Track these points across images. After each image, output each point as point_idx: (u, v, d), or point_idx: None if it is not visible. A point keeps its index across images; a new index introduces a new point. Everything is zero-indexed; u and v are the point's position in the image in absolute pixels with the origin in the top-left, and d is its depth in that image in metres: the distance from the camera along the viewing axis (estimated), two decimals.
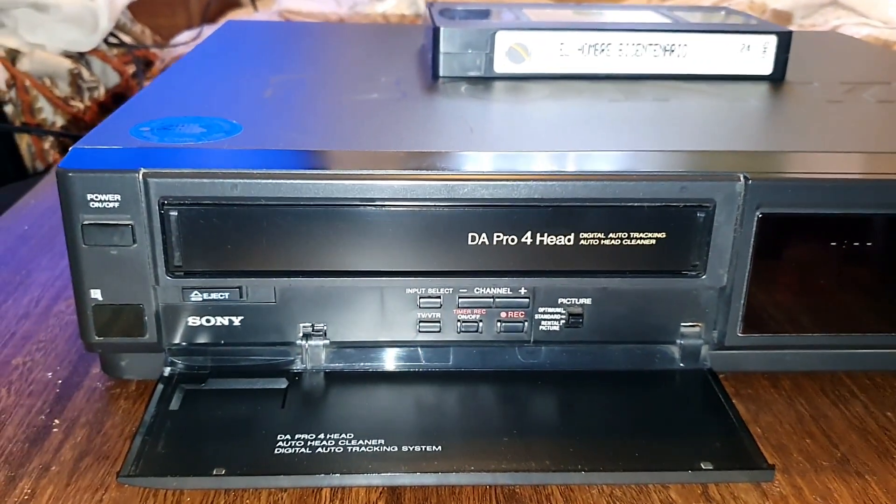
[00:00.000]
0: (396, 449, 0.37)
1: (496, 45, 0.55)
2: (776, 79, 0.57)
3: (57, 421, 0.40)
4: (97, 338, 0.40)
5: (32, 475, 0.36)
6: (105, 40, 1.17)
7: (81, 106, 1.11)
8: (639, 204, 0.38)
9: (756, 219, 0.39)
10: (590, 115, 0.49)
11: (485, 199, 0.38)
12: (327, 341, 0.42)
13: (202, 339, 0.42)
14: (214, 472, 0.35)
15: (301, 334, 0.42)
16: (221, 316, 0.41)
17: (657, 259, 0.40)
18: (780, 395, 0.43)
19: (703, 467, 0.36)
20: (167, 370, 0.42)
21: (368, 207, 0.38)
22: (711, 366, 0.43)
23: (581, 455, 0.37)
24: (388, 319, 0.42)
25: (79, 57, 1.14)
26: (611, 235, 0.39)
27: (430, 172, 0.38)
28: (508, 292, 0.41)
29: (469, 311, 0.42)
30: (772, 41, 0.56)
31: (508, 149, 0.42)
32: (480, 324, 0.42)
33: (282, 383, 0.41)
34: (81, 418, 0.40)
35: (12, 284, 0.53)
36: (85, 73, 1.13)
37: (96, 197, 0.37)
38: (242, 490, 0.36)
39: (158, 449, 0.37)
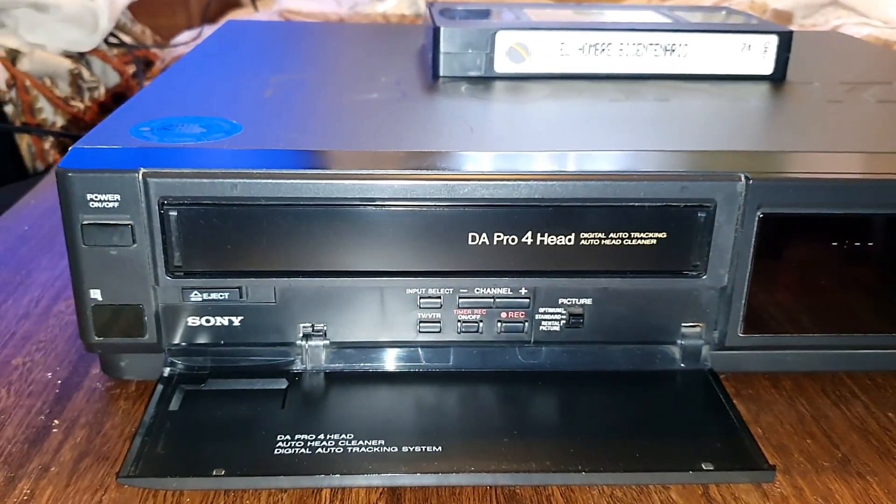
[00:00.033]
0: (397, 449, 0.37)
1: (496, 45, 0.55)
2: (777, 79, 0.57)
3: (56, 421, 0.40)
4: (97, 338, 0.40)
5: (32, 476, 0.36)
6: (105, 40, 1.17)
7: (81, 106, 1.11)
8: (639, 204, 0.38)
9: (757, 219, 0.39)
10: (590, 114, 0.49)
11: (485, 199, 0.38)
12: (327, 342, 0.42)
13: (202, 340, 0.41)
14: (214, 473, 0.35)
15: (301, 334, 0.42)
16: (221, 316, 0.41)
17: (658, 259, 0.40)
18: (781, 396, 0.43)
19: (704, 468, 0.36)
20: (167, 370, 0.42)
21: (369, 207, 0.38)
22: (712, 366, 0.43)
23: (582, 456, 0.37)
24: (389, 320, 0.42)
25: (79, 57, 1.14)
26: (611, 235, 0.39)
27: (430, 172, 0.38)
28: (509, 292, 0.41)
29: (469, 311, 0.42)
30: (772, 41, 0.56)
31: (509, 149, 0.42)
32: (481, 324, 0.42)
33: (282, 384, 0.41)
34: (81, 419, 0.40)
35: (12, 284, 0.53)
36: (85, 73, 1.13)
37: (96, 197, 0.37)
38: (242, 491, 0.36)
39: (158, 449, 0.37)
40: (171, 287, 0.40)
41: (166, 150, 0.40)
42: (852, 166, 0.41)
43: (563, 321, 0.42)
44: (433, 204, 0.38)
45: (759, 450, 0.38)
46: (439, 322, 0.42)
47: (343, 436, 0.37)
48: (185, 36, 1.32)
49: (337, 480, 0.35)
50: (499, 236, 0.39)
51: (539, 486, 0.36)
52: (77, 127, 1.08)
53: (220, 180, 0.37)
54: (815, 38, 0.78)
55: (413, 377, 0.42)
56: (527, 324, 0.42)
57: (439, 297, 0.41)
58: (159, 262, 0.38)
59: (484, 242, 0.39)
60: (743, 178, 0.38)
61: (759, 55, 0.56)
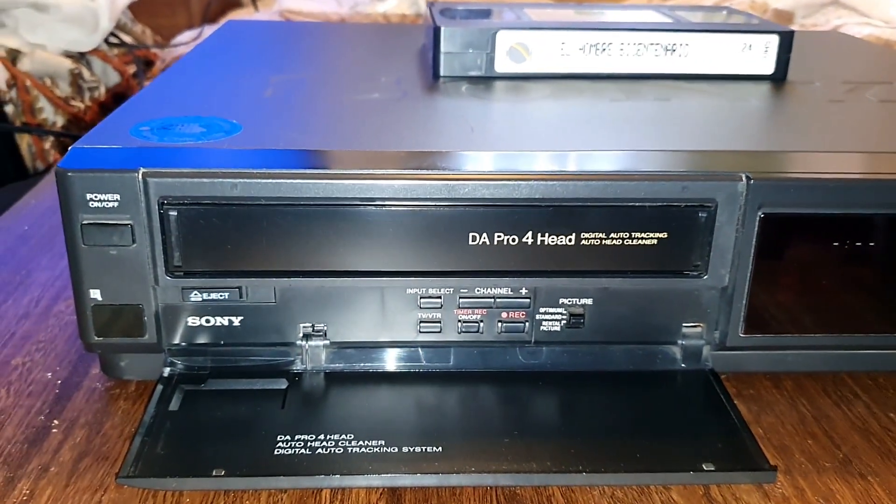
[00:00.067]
0: (397, 450, 0.37)
1: (497, 45, 0.55)
2: (778, 78, 0.57)
3: (56, 421, 0.40)
4: (96, 338, 0.40)
5: (31, 476, 0.36)
6: (106, 40, 1.17)
7: (82, 106, 1.11)
8: (640, 204, 0.38)
9: (758, 219, 0.39)
10: (591, 114, 0.49)
11: (486, 199, 0.38)
12: (327, 342, 0.42)
13: (202, 340, 0.41)
14: (214, 473, 0.35)
15: (301, 335, 0.42)
16: (221, 316, 0.41)
17: (659, 259, 0.40)
18: (782, 396, 0.43)
19: (705, 468, 0.36)
20: (167, 371, 0.41)
21: (369, 207, 0.38)
22: (713, 366, 0.43)
23: (582, 456, 0.37)
24: (389, 320, 0.42)
25: (79, 57, 1.14)
26: (612, 235, 0.39)
27: (430, 172, 0.38)
28: (509, 292, 0.41)
29: (470, 311, 0.41)
30: (773, 41, 0.56)
31: (509, 148, 0.42)
32: (481, 324, 0.42)
33: (282, 384, 0.41)
34: (81, 419, 0.40)
35: (12, 284, 0.53)
36: (85, 73, 1.13)
37: (96, 196, 0.37)
38: (242, 491, 0.35)
39: (158, 450, 0.37)
40: (171, 287, 0.39)
41: (166, 149, 0.40)
42: (854, 166, 0.41)
43: (564, 321, 0.42)
44: (433, 204, 0.38)
45: (761, 450, 0.38)
46: (440, 322, 0.42)
47: (343, 436, 0.37)
48: (186, 36, 1.32)
49: (337, 481, 0.35)
50: (499, 236, 0.39)
51: (540, 487, 0.36)
52: (77, 127, 1.08)
53: (220, 180, 0.37)
54: (816, 37, 0.78)
55: (413, 377, 0.42)
56: (527, 324, 0.42)
57: (440, 297, 0.41)
58: (159, 261, 0.38)
59: (484, 242, 0.39)
60: (744, 178, 0.38)
61: (759, 55, 0.56)
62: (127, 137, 0.41)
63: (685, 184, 0.38)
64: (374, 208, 0.38)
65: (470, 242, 0.39)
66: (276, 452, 0.36)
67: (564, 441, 0.38)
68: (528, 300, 0.41)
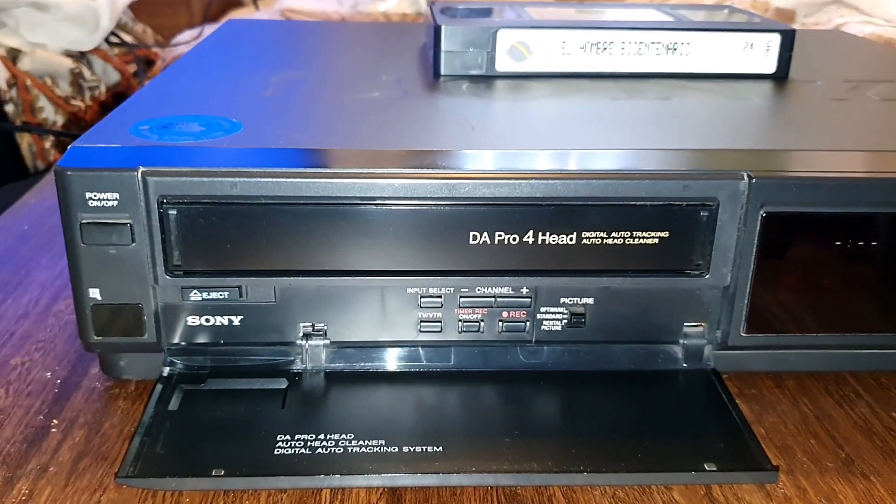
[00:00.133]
0: (397, 449, 0.37)
1: (498, 44, 0.55)
2: (780, 77, 0.57)
3: (55, 421, 0.40)
4: (96, 337, 0.40)
5: (30, 476, 0.36)
6: (106, 39, 1.17)
7: (82, 105, 1.11)
8: (641, 203, 0.38)
9: (760, 218, 0.39)
10: (592, 113, 0.49)
11: (486, 198, 0.38)
12: (327, 341, 0.42)
13: (201, 339, 0.41)
14: (213, 473, 0.35)
15: (301, 334, 0.42)
16: (221, 315, 0.41)
17: (660, 258, 0.39)
18: (784, 396, 0.43)
19: (707, 468, 0.36)
20: (166, 370, 0.41)
21: (369, 206, 0.38)
22: (715, 366, 0.43)
23: (583, 456, 0.37)
24: (389, 319, 0.41)
25: (80, 56, 1.14)
26: (613, 234, 0.39)
27: (431, 171, 0.38)
28: (510, 292, 0.41)
29: (470, 310, 0.41)
30: (775, 39, 0.56)
31: (510, 147, 0.42)
32: (482, 323, 0.42)
33: (282, 383, 0.41)
34: (80, 419, 0.40)
35: (12, 284, 0.53)
36: (86, 73, 1.13)
37: (95, 195, 0.37)
38: (242, 491, 0.35)
39: (157, 449, 0.36)
40: (171, 286, 0.39)
41: (165, 148, 0.40)
42: (856, 165, 0.40)
43: (565, 321, 0.42)
44: (434, 203, 0.38)
45: (763, 450, 0.37)
46: (440, 321, 0.41)
47: (343, 436, 0.37)
48: (186, 35, 1.32)
49: (337, 481, 0.35)
50: (500, 235, 0.39)
51: (541, 487, 0.36)
52: (78, 126, 1.08)
53: (220, 179, 0.37)
54: (817, 36, 0.78)
55: (414, 377, 0.42)
56: (528, 323, 0.42)
57: (440, 297, 0.41)
58: (158, 261, 0.38)
59: (485, 241, 0.39)
60: (746, 177, 0.38)
61: (761, 54, 0.56)
62: (126, 136, 0.41)
63: (687, 182, 0.38)
64: (374, 207, 0.38)
65: (470, 242, 0.39)
66: (275, 452, 0.36)
67: (565, 441, 0.38)
68: (528, 299, 0.41)
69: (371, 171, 0.38)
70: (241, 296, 0.40)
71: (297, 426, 0.38)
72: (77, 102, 1.11)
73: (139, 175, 0.37)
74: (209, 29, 1.23)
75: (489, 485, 0.36)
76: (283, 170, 0.37)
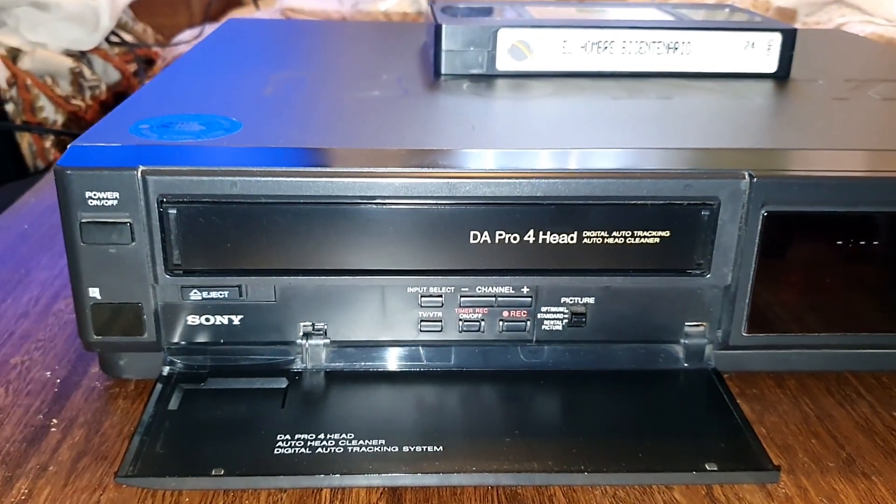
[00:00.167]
0: (397, 449, 0.36)
1: (498, 43, 0.55)
2: (781, 76, 0.56)
3: (55, 420, 0.40)
4: (96, 337, 0.40)
5: (30, 475, 0.36)
6: (107, 39, 1.17)
7: (83, 104, 1.11)
8: (642, 202, 0.38)
9: (761, 217, 0.38)
10: (593, 112, 0.49)
11: (487, 197, 0.38)
12: (328, 340, 0.42)
13: (201, 339, 0.41)
14: (213, 473, 0.35)
15: (301, 333, 0.42)
16: (221, 315, 0.41)
17: (661, 258, 0.39)
18: (786, 395, 0.43)
19: (708, 468, 0.36)
20: (166, 369, 0.41)
21: (369, 205, 0.38)
22: (716, 365, 0.43)
23: (584, 456, 0.36)
24: (390, 318, 0.41)
25: (80, 55, 1.14)
26: (614, 234, 0.39)
27: (431, 170, 0.38)
28: (511, 291, 0.41)
29: (471, 310, 0.41)
30: (776, 38, 0.56)
31: (511, 146, 0.42)
32: (482, 323, 0.42)
33: (282, 383, 0.41)
34: (80, 418, 0.40)
35: (11, 283, 0.53)
36: (86, 72, 1.13)
37: (94, 195, 0.37)
38: (241, 491, 0.35)
39: (157, 449, 0.36)
40: (171, 285, 0.39)
41: (165, 147, 0.39)
42: (857, 164, 0.40)
43: (566, 320, 0.42)
44: (434, 202, 0.38)
45: (764, 450, 0.37)
46: (441, 321, 0.41)
47: (343, 435, 0.37)
48: (187, 35, 1.32)
49: (337, 480, 0.35)
50: (500, 234, 0.38)
51: (541, 487, 0.36)
52: (78, 126, 1.08)
53: (220, 178, 0.37)
54: (818, 35, 0.78)
55: (414, 376, 0.42)
56: (529, 323, 0.42)
57: (441, 296, 0.41)
58: (158, 260, 0.38)
59: (486, 241, 0.39)
60: (747, 176, 0.38)
61: (762, 53, 0.56)
62: (126, 135, 0.41)
63: (688, 182, 0.38)
64: (374, 206, 0.38)
65: (471, 241, 0.39)
66: (275, 452, 0.36)
67: (566, 440, 0.37)
68: (529, 299, 0.41)
69: (371, 170, 0.37)
70: (241, 295, 0.40)
71: (297, 426, 0.38)
72: (77, 102, 1.11)
73: (139, 174, 0.37)
74: (209, 28, 1.23)
75: (490, 484, 0.36)
76: (284, 169, 0.37)
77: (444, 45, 0.55)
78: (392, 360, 0.43)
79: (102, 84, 1.16)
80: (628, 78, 0.55)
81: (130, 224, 0.37)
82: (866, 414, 0.42)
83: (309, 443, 0.37)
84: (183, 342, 0.41)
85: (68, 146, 0.39)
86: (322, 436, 0.37)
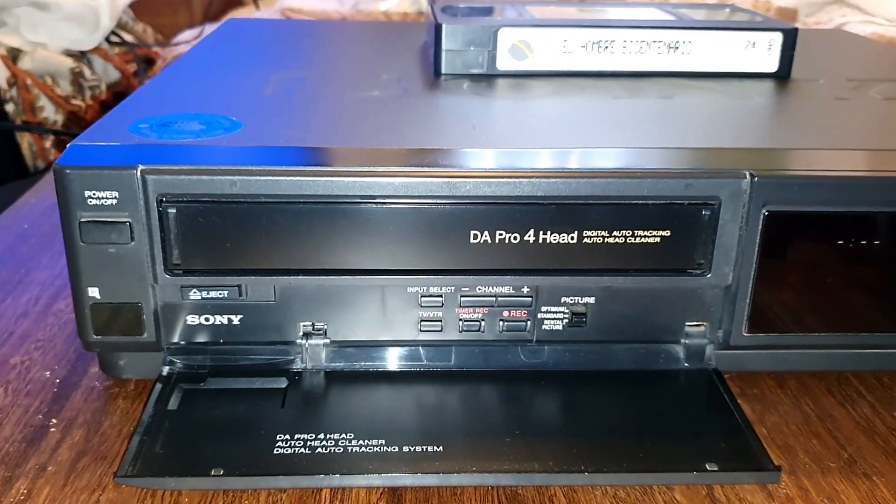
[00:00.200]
0: (397, 449, 0.36)
1: (499, 42, 0.54)
2: (782, 76, 0.56)
3: (54, 420, 0.40)
4: (95, 337, 0.40)
5: (29, 475, 0.36)
6: (107, 39, 1.17)
7: (83, 104, 1.11)
8: (643, 201, 0.38)
9: (762, 216, 0.38)
10: (593, 112, 0.49)
11: (487, 197, 0.38)
12: (327, 340, 0.42)
13: (201, 338, 0.41)
14: (213, 473, 0.35)
15: (301, 333, 0.41)
16: (221, 315, 0.41)
17: (662, 257, 0.39)
18: (786, 396, 0.43)
19: (709, 468, 0.36)
20: (166, 369, 0.41)
21: (369, 205, 0.38)
22: (716, 365, 0.43)
23: (584, 456, 0.36)
24: (390, 318, 0.41)
25: (80, 55, 1.14)
26: (615, 233, 0.39)
27: (431, 170, 0.38)
28: (511, 291, 0.41)
29: (471, 310, 0.41)
30: (777, 38, 0.56)
31: (511, 146, 0.42)
32: (483, 323, 0.41)
33: (281, 383, 0.41)
34: (79, 418, 0.40)
35: (11, 283, 0.53)
36: (86, 72, 1.13)
37: (94, 194, 0.37)
38: (241, 491, 0.35)
39: (156, 449, 0.36)
40: (170, 285, 0.39)
41: (165, 146, 0.39)
42: (858, 163, 0.40)
43: (566, 320, 0.42)
44: (435, 202, 0.38)
45: (764, 450, 0.37)
46: (441, 321, 0.41)
47: (343, 435, 0.37)
48: (187, 34, 1.32)
49: (337, 480, 0.35)
50: (501, 234, 0.38)
51: (541, 487, 0.36)
52: (78, 125, 1.08)
53: (220, 177, 0.37)
54: (819, 35, 0.78)
55: (414, 376, 0.42)
56: (529, 323, 0.42)
57: (441, 296, 0.41)
58: (158, 259, 0.38)
59: (486, 240, 0.38)
60: (748, 176, 0.38)
61: (763, 52, 0.56)
62: (126, 135, 0.41)
63: (688, 181, 0.38)
64: (374, 206, 0.38)
65: (471, 241, 0.38)
66: (275, 452, 0.36)
67: (566, 441, 0.37)
68: (529, 299, 0.41)
69: (371, 169, 0.37)
70: (240, 295, 0.40)
71: (297, 425, 0.38)
72: (77, 102, 1.11)
73: (138, 173, 0.37)
74: (210, 28, 1.23)
75: (490, 485, 0.36)
76: (283, 168, 0.37)
77: (445, 45, 0.55)
78: (392, 360, 0.43)
79: (102, 84, 1.16)
80: (629, 77, 0.55)
81: (130, 223, 0.37)
82: (867, 414, 0.41)
83: (309, 443, 0.37)
84: (182, 342, 0.41)
85: (68, 145, 0.39)
86: (322, 436, 0.37)
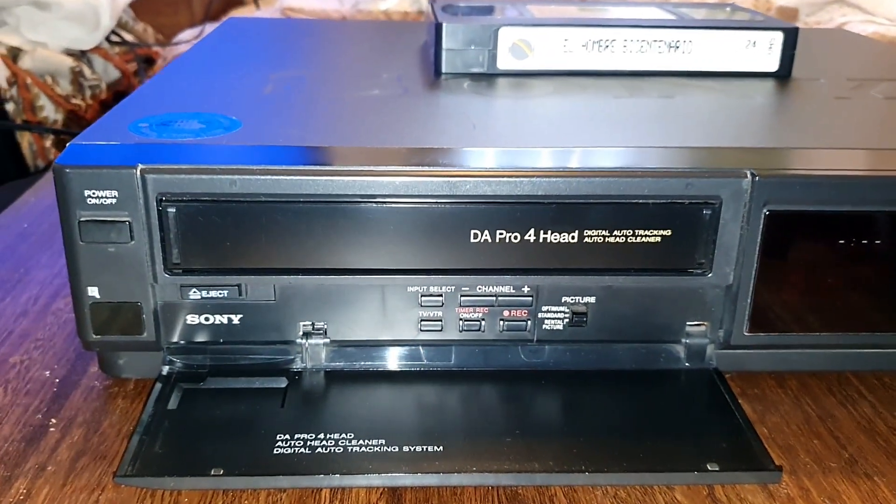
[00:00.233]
0: (397, 449, 0.36)
1: (499, 42, 0.54)
2: (782, 75, 0.56)
3: (54, 420, 0.40)
4: (95, 336, 0.40)
5: (28, 475, 0.36)
6: (107, 38, 1.17)
7: (83, 104, 1.11)
8: (644, 201, 0.38)
9: (763, 216, 0.38)
10: (594, 111, 0.49)
11: (487, 196, 0.38)
12: (327, 340, 0.42)
13: (201, 338, 0.41)
14: (212, 473, 0.35)
15: (301, 333, 0.41)
16: (220, 314, 0.41)
17: (662, 257, 0.39)
18: (787, 396, 0.43)
19: (709, 468, 0.36)
20: (165, 369, 0.41)
21: (369, 204, 0.38)
22: (717, 365, 0.43)
23: (585, 456, 0.36)
24: (390, 318, 0.41)
25: (80, 55, 1.14)
26: (615, 233, 0.38)
27: (432, 169, 0.38)
28: (511, 290, 0.41)
29: (471, 309, 0.41)
30: (778, 37, 0.56)
31: (511, 145, 0.42)
32: (483, 322, 0.41)
33: (281, 382, 0.41)
34: (79, 417, 0.40)
35: (11, 282, 0.53)
36: (86, 71, 1.13)
37: (93, 193, 0.37)
38: (241, 491, 0.35)
39: (156, 449, 0.36)
40: (170, 284, 0.39)
41: (165, 146, 0.39)
42: (860, 163, 0.40)
43: (567, 320, 0.41)
44: (435, 201, 0.38)
45: (765, 450, 0.37)
46: (441, 321, 0.41)
47: (343, 435, 0.37)
48: (187, 34, 1.32)
49: (337, 480, 0.35)
50: (501, 233, 0.38)
51: (542, 487, 0.36)
52: (78, 125, 1.08)
53: (219, 176, 0.37)
54: (820, 35, 0.78)
55: (414, 376, 0.42)
56: (530, 322, 0.41)
57: (441, 296, 0.41)
58: (157, 259, 0.38)
59: (486, 240, 0.38)
60: (749, 175, 0.38)
61: (764, 52, 0.56)
62: (125, 134, 0.41)
63: (689, 180, 0.38)
64: (374, 205, 0.38)
65: (472, 240, 0.38)
66: (275, 451, 0.36)
67: (567, 440, 0.37)
68: (530, 298, 0.41)
69: (371, 168, 0.37)
70: (240, 294, 0.40)
71: (297, 425, 0.38)
72: (77, 101, 1.11)
73: (138, 172, 0.36)
74: (210, 28, 1.23)
75: (490, 485, 0.36)
76: (283, 167, 0.37)
77: (445, 44, 0.55)
78: (392, 359, 0.42)
79: (103, 83, 1.16)
80: (629, 77, 0.55)
81: (129, 223, 0.37)
82: (868, 414, 0.41)
83: (309, 442, 0.37)
84: (182, 341, 0.41)
85: (67, 144, 0.39)
86: (322, 436, 0.37)
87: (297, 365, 0.42)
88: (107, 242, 0.38)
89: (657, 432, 0.38)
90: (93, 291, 0.39)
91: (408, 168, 0.38)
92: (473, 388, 0.41)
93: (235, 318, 0.41)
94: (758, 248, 0.39)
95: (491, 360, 0.43)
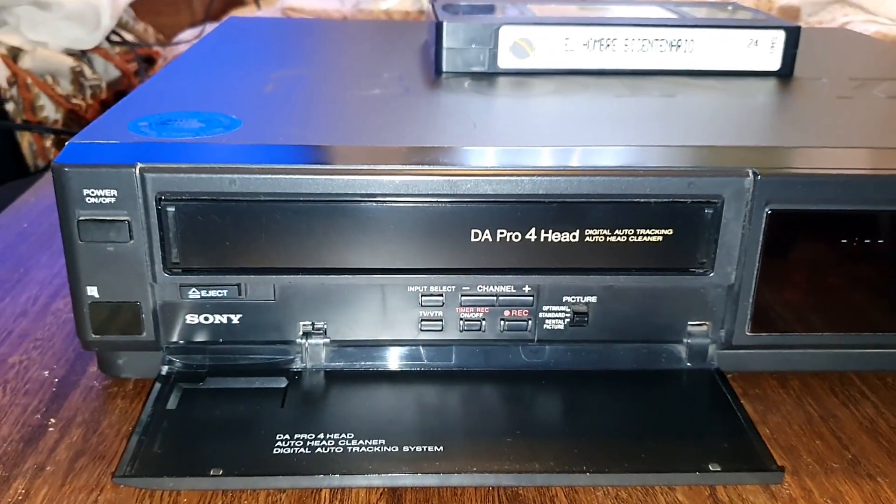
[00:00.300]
0: (397, 449, 0.36)
1: (500, 41, 0.54)
2: (784, 74, 0.56)
3: (53, 420, 0.40)
4: (94, 336, 0.40)
5: (27, 475, 0.36)
6: (107, 38, 1.17)
7: (83, 104, 1.11)
8: (645, 200, 0.38)
9: (765, 215, 0.38)
10: (595, 110, 0.49)
11: (488, 195, 0.37)
12: (327, 340, 0.41)
13: (200, 338, 0.41)
14: (212, 473, 0.35)
15: (301, 332, 0.41)
16: (220, 314, 0.40)
17: (664, 256, 0.39)
18: (789, 396, 0.43)
19: (711, 469, 0.36)
20: (165, 369, 0.41)
21: (370, 203, 0.37)
22: (719, 365, 0.43)
23: (586, 456, 0.36)
24: (390, 318, 0.41)
25: (81, 55, 1.14)
26: (617, 232, 0.38)
27: (432, 168, 0.37)
28: (512, 290, 0.41)
29: (472, 309, 0.41)
30: (780, 36, 0.56)
31: (512, 144, 0.41)
32: (483, 322, 0.41)
33: (281, 382, 0.41)
34: (78, 417, 0.40)
35: (10, 282, 0.53)
36: (87, 71, 1.13)
37: (92, 192, 0.37)
38: (240, 491, 0.35)
39: (155, 449, 0.36)
40: (169, 284, 0.39)
41: (164, 144, 0.39)
42: (862, 162, 0.40)
43: (568, 319, 0.41)
44: (435, 200, 0.37)
45: (767, 450, 0.37)
46: (441, 320, 0.41)
47: (343, 435, 0.37)
48: (188, 34, 1.31)
49: (337, 480, 0.35)
50: (502, 233, 0.38)
51: (542, 487, 0.36)
52: (78, 125, 1.08)
53: (219, 175, 0.37)
54: (822, 34, 0.77)
55: (414, 376, 0.42)
56: (530, 322, 0.41)
57: (441, 295, 0.41)
58: (157, 258, 0.38)
59: (487, 239, 0.38)
60: (751, 174, 0.38)
61: (766, 51, 0.56)
62: (125, 133, 0.40)
63: (691, 180, 0.38)
64: (375, 204, 0.37)
65: (472, 239, 0.38)
66: (275, 452, 0.36)
67: (568, 441, 0.37)
68: (531, 298, 0.41)
69: (372, 167, 0.37)
70: (240, 294, 0.40)
71: (297, 425, 0.37)
72: (78, 101, 1.11)
73: (137, 171, 0.36)
74: (210, 27, 1.23)
75: (490, 485, 0.36)
76: (283, 166, 0.37)
77: (446, 43, 0.54)
78: (392, 359, 0.42)
79: (103, 83, 1.16)
80: (631, 75, 0.55)
81: (129, 222, 0.37)
82: (871, 414, 0.41)
83: (308, 443, 0.36)
84: (182, 341, 0.41)
85: (66, 143, 0.39)
86: (322, 436, 0.37)
87: (297, 365, 0.42)
88: (106, 242, 0.37)
89: (659, 433, 0.38)
90: (92, 291, 0.39)
91: (408, 167, 0.37)
92: (474, 389, 0.41)
93: (235, 318, 0.41)
94: (760, 248, 0.39)
95: (491, 360, 0.42)
